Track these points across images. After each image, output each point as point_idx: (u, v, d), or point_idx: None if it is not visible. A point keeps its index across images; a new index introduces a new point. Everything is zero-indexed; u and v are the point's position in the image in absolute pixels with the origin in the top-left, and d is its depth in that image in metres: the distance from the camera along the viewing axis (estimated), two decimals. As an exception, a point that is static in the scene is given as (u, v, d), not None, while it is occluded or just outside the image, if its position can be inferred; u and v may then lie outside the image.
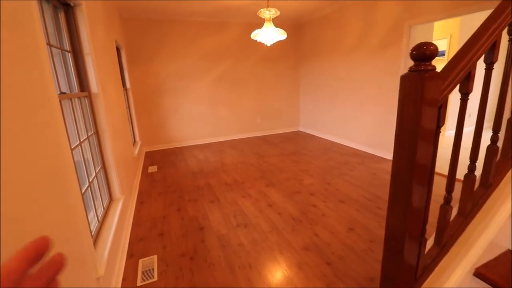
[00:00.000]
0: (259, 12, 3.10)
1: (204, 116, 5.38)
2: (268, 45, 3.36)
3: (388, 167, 3.55)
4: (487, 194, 1.09)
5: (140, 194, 3.10)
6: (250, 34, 3.32)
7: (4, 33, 0.79)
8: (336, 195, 2.81)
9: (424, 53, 0.77)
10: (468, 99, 0.90)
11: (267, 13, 3.15)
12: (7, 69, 0.78)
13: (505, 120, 1.12)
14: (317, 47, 5.26)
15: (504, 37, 0.97)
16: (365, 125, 4.32)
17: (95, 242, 1.57)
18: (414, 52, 0.79)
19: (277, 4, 4.14)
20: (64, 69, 1.71)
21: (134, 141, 4.31)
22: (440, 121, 0.82)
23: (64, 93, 1.61)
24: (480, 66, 0.84)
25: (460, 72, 0.83)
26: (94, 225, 1.69)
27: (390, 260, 0.94)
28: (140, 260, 1.92)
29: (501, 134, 1.10)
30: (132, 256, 1.98)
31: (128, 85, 4.27)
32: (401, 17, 3.48)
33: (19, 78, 0.85)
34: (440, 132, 0.84)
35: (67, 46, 1.75)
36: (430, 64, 0.77)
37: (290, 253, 1.92)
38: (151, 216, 2.57)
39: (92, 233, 1.59)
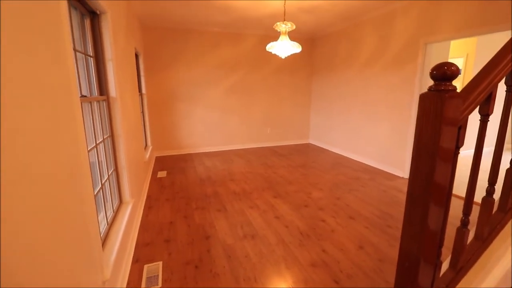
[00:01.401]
0: (275, 25, 3.16)
1: (215, 124, 5.44)
2: (283, 57, 3.40)
3: (399, 185, 3.47)
4: (506, 220, 1.05)
5: (148, 198, 3.12)
6: (265, 46, 3.39)
7: (36, 37, 0.84)
8: (346, 211, 2.76)
9: (445, 73, 0.77)
10: (489, 120, 0.89)
11: (283, 27, 3.21)
12: (36, 71, 0.82)
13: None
14: (330, 61, 5.29)
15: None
16: (377, 141, 4.27)
17: (103, 245, 1.58)
18: (434, 72, 0.79)
19: (293, 17, 4.22)
20: (86, 73, 1.77)
21: (146, 145, 4.38)
22: (459, 142, 0.81)
23: (85, 96, 1.67)
24: (501, 87, 0.82)
25: (481, 93, 0.82)
26: (103, 227, 1.70)
27: (403, 282, 0.91)
28: (146, 266, 1.92)
29: (522, 158, 1.07)
30: (138, 261, 1.98)
31: (143, 90, 4.39)
32: (416, 35, 3.48)
33: (47, 80, 0.90)
34: (459, 152, 0.82)
35: (90, 51, 1.82)
36: (451, 84, 0.76)
37: (297, 268, 1.88)
38: (158, 221, 2.57)
39: (101, 236, 1.60)
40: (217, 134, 5.51)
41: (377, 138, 4.26)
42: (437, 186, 0.80)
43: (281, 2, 3.46)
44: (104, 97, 1.94)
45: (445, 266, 1.04)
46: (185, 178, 3.80)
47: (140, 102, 3.99)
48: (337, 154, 5.15)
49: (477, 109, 0.89)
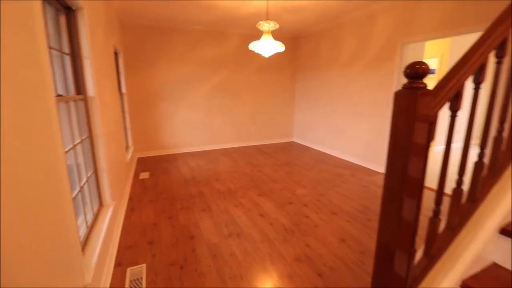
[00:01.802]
0: (258, 24, 3.17)
1: (199, 124, 5.39)
2: (266, 56, 3.43)
3: (379, 180, 3.60)
4: (474, 208, 1.13)
5: (131, 200, 3.04)
6: (249, 44, 3.38)
7: (7, 34, 0.80)
8: (329, 206, 2.83)
9: (417, 71, 0.81)
10: (457, 116, 0.95)
11: (266, 26, 3.23)
12: (8, 70, 0.79)
13: (491, 137, 1.17)
14: (313, 60, 5.38)
15: (493, 59, 1.03)
16: (358, 138, 4.40)
17: (83, 249, 1.53)
18: (408, 70, 0.83)
19: (276, 17, 4.25)
20: (62, 71, 1.71)
21: (127, 146, 4.27)
22: (430, 137, 0.86)
23: (61, 95, 1.61)
24: (471, 85, 0.88)
25: (450, 90, 0.87)
26: (82, 231, 1.65)
27: (381, 271, 0.95)
28: (129, 269, 1.88)
29: (488, 151, 1.15)
30: (120, 264, 1.93)
31: (124, 90, 4.27)
32: (394, 36, 3.62)
33: (20, 79, 0.86)
34: (429, 147, 0.87)
35: (66, 48, 1.75)
36: (422, 82, 0.81)
37: (282, 264, 1.91)
38: (141, 223, 2.52)
39: (81, 240, 1.55)
40: (202, 133, 5.45)
41: (358, 135, 4.39)
42: (411, 179, 0.85)
43: (264, 1, 3.47)
44: (81, 97, 1.88)
45: (420, 255, 1.10)
46: (169, 179, 3.74)
47: (121, 102, 3.87)
48: (321, 151, 5.26)
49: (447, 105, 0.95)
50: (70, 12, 1.78)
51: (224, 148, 5.60)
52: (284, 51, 5.76)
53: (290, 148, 5.62)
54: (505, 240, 1.13)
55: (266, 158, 4.78)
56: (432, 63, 4.95)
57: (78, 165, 1.77)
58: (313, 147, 5.59)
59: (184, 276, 1.80)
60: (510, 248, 1.11)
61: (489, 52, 0.95)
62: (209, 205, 2.90)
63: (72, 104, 1.76)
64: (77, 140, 1.78)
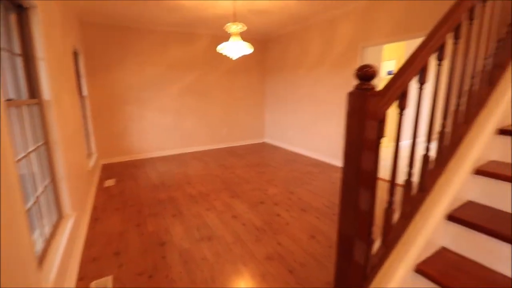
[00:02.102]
0: (225, 26, 3.18)
1: (169, 127, 5.24)
2: (234, 58, 3.44)
3: (347, 177, 3.78)
4: (424, 198, 1.24)
5: (94, 210, 2.88)
6: (218, 46, 3.36)
7: None
8: (299, 204, 2.91)
9: (366, 73, 0.88)
10: (403, 114, 1.04)
11: (234, 28, 3.25)
12: None
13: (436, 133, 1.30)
14: (282, 61, 5.51)
15: (435, 62, 1.14)
16: (326, 136, 4.58)
17: (40, 264, 1.42)
18: (358, 73, 0.90)
19: (244, 19, 4.29)
20: (12, 74, 1.57)
21: (89, 152, 4.02)
22: (380, 133, 0.93)
23: (12, 99, 1.48)
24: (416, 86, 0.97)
25: (396, 91, 0.96)
26: (39, 245, 1.53)
27: (342, 261, 1.01)
28: (93, 282, 1.78)
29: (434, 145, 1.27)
30: (84, 278, 1.82)
31: (85, 92, 4.03)
32: (355, 39, 3.83)
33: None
34: (381, 142, 0.94)
35: (17, 49, 1.62)
36: (370, 84, 0.88)
37: (254, 263, 1.93)
38: (106, 233, 2.39)
39: (38, 254, 1.44)
40: (172, 137, 5.31)
41: (326, 134, 4.57)
42: (365, 172, 0.92)
43: (231, 3, 3.49)
44: (35, 100, 1.74)
45: (379, 244, 1.18)
46: (137, 185, 3.59)
47: (81, 106, 3.65)
48: (291, 151, 5.39)
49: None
50: (22, 11, 1.65)
51: (196, 151, 5.51)
52: (254, 52, 5.83)
53: (262, 148, 5.68)
54: (452, 225, 1.25)
55: (238, 160, 4.79)
56: (390, 65, 5.31)
57: (33, 174, 1.64)
58: (284, 147, 5.70)
59: (154, 285, 1.74)
60: (456, 233, 1.24)
61: (429, 56, 1.05)
62: (180, 210, 2.83)
63: (25, 108, 1.63)
64: (32, 148, 1.65)
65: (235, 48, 3.28)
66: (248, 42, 5.65)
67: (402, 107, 1.02)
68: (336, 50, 4.17)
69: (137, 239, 2.28)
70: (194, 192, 3.32)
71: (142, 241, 2.25)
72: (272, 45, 5.79)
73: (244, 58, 5.75)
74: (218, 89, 5.64)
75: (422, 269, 1.14)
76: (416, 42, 1.51)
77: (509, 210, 1.23)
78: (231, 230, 2.39)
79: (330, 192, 3.24)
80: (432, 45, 1.07)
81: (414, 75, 1.03)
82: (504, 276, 1.09)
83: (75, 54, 3.52)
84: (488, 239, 1.14)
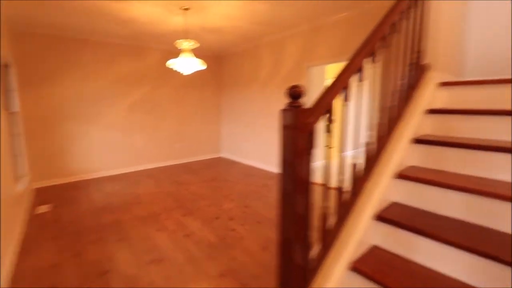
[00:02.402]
0: (176, 42, 3.18)
1: (117, 144, 4.91)
2: (185, 74, 3.44)
3: (299, 187, 3.95)
4: (355, 201, 1.38)
5: (24, 240, 2.52)
6: (168, 61, 3.31)
7: None
8: (254, 217, 2.95)
9: (295, 92, 0.98)
10: (330, 127, 1.16)
11: (186, 44, 3.26)
12: None
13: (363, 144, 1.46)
14: (237, 76, 5.66)
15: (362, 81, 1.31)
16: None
17: None
18: (289, 91, 0.99)
19: (197, 36, 4.35)
20: None
21: (19, 175, 3.54)
22: (310, 144, 1.03)
23: None
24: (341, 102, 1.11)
25: (322, 108, 1.07)
26: None
27: (283, 264, 1.06)
28: (17, 325, 1.54)
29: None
30: (5, 322, 1.57)
31: (16, 108, 3.58)
32: (301, 59, 4.16)
33: None
34: (312, 153, 1.04)
35: None
36: (299, 102, 0.98)
37: (207, 282, 1.88)
38: (37, 267, 2.11)
39: None
40: (121, 154, 4.97)
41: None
42: (299, 179, 1.00)
43: (183, 19, 3.52)
44: None
45: (319, 247, 1.26)
46: (76, 209, 3.26)
47: (8, 123, 3.23)
48: (248, 165, 5.46)
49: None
50: None
51: (148, 169, 5.23)
52: (209, 67, 5.89)
53: (218, 163, 5.65)
54: (380, 225, 1.40)
55: (193, 176, 4.68)
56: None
57: None
58: (241, 161, 5.75)
59: (94, 318, 1.58)
60: (384, 232, 1.40)
61: (349, 77, 1.21)
62: (127, 233, 2.64)
63: None
64: None
65: (187, 64, 3.29)
66: (202, 58, 5.71)
67: (329, 121, 1.14)
68: (286, 67, 4.46)
69: (75, 270, 2.05)
70: (143, 212, 3.13)
71: (81, 273, 2.03)
72: (227, 61, 5.93)
73: (199, 72, 5.76)
74: (172, 104, 5.52)
75: (356, 267, 1.25)
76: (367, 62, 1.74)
77: (426, 208, 1.44)
78: (183, 250, 2.30)
79: (284, 203, 3.35)
80: (352, 68, 1.24)
81: (337, 93, 1.17)
82: (424, 267, 1.25)
83: (5, 66, 3.14)
84: (410, 235, 1.30)
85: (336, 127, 4.17)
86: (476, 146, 1.40)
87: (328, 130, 1.15)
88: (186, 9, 3.13)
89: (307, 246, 1.08)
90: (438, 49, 2.04)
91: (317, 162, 4.31)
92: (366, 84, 3.84)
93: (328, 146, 1.18)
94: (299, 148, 0.99)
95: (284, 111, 1.00)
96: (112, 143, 4.85)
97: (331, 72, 5.77)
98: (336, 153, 5.33)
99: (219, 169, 5.15)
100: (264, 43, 4.83)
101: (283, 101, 4.58)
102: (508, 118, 1.47)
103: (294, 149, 0.98)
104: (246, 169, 5.12)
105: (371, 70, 2.93)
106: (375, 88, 3.00)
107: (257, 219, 2.88)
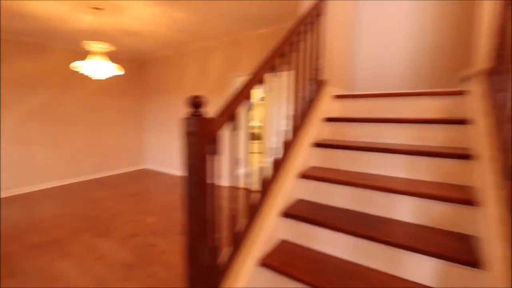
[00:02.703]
0: (83, 43, 2.88)
1: (10, 159, 4.04)
2: (93, 78, 3.13)
3: (226, 193, 4.01)
4: (264, 201, 1.50)
5: None
6: (74, 63, 2.93)
7: None
8: (177, 228, 2.84)
9: (196, 102, 1.02)
10: (236, 134, 1.25)
11: (98, 46, 2.97)
12: None
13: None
14: (162, 84, 5.43)
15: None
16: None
17: None
18: (191, 101, 1.03)
19: (114, 39, 4.00)
20: None
21: None
22: (214, 151, 1.09)
23: None
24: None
25: (224, 117, 1.15)
26: None
27: (191, 267, 1.07)
28: None
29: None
30: None
31: None
32: (226, 70, 4.29)
33: None
34: (215, 158, 1.10)
35: None
36: (200, 111, 1.03)
37: (120, 305, 1.72)
38: None
39: None
40: (15, 172, 4.11)
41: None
42: (204, 184, 1.04)
43: (95, 19, 3.21)
44: None
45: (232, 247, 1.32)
46: None
47: None
48: (174, 175, 5.24)
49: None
50: None
51: (53, 187, 4.47)
52: (131, 73, 5.48)
53: (142, 176, 5.25)
54: (287, 221, 1.55)
55: (110, 191, 4.22)
56: (259, 93, 6.18)
57: None
58: (168, 172, 5.48)
59: None
60: (290, 226, 1.55)
61: (251, 89, 1.33)
62: (17, 268, 2.19)
63: None
64: None
65: (98, 68, 3.00)
66: (122, 62, 5.28)
67: (234, 129, 1.23)
68: (212, 77, 4.52)
69: None
70: (42, 239, 2.66)
71: None
72: (150, 67, 5.63)
73: (118, 78, 5.30)
74: (84, 111, 4.90)
75: (265, 263, 1.35)
76: (283, 75, 1.91)
77: (324, 202, 1.66)
78: (94, 276, 2.05)
79: (210, 211, 3.34)
80: (254, 81, 1.37)
81: (240, 104, 1.27)
82: (321, 253, 1.44)
83: None
84: (310, 227, 1.48)
85: (241, 134, 4.42)
86: (359, 148, 1.71)
87: (234, 137, 1.24)
88: (99, 8, 2.87)
89: (214, 248, 1.12)
90: (333, 67, 2.42)
91: (231, 167, 4.46)
92: (276, 95, 4.23)
93: (233, 151, 1.26)
94: (201, 153, 1.03)
95: (187, 119, 1.04)
96: (3, 158, 3.98)
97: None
98: (251, 157, 5.61)
99: (142, 182, 4.79)
100: (189, 51, 4.80)
101: (210, 111, 4.61)
102: (385, 124, 1.85)
103: (197, 154, 1.02)
104: (172, 180, 4.91)
105: (279, 83, 3.26)
106: (283, 99, 3.35)
107: (181, 231, 2.79)
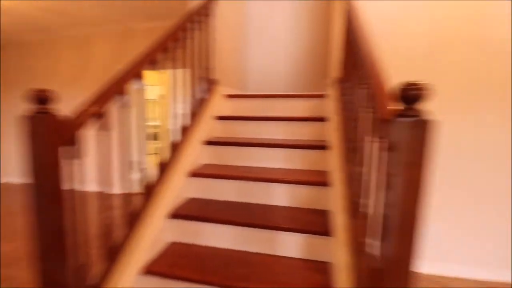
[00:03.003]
0: None
1: None
2: None
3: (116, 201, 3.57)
4: (147, 205, 1.41)
5: None
6: None
7: None
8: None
9: (41, 96, 0.86)
10: (104, 135, 1.13)
11: None
12: None
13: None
14: (29, 74, 4.33)
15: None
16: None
17: None
18: (35, 95, 0.86)
19: None
20: None
21: None
22: (74, 154, 0.94)
23: None
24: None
25: (86, 115, 1.01)
26: None
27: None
28: None
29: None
30: None
31: None
32: (113, 61, 3.80)
33: None
34: (72, 162, 0.95)
35: None
36: (47, 108, 0.87)
37: None
38: None
39: None
40: None
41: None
42: (62, 193, 0.88)
43: None
44: None
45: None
46: None
47: None
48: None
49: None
50: None
51: None
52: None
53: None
54: (176, 221, 1.51)
55: None
56: (157, 90, 5.78)
57: None
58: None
59: None
60: (179, 227, 1.51)
61: (124, 84, 1.23)
62: None
63: None
64: None
65: None
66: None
67: (104, 129, 1.10)
68: (95, 68, 3.91)
69: None
70: None
71: None
72: (10, 52, 4.38)
73: None
74: None
75: (150, 270, 1.27)
76: (176, 72, 1.76)
77: (213, 198, 1.70)
78: None
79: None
80: (130, 75, 1.27)
81: (110, 100, 1.14)
82: (208, 247, 1.47)
83: None
84: (198, 224, 1.49)
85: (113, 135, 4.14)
86: (245, 144, 1.84)
87: (99, 138, 1.11)
88: None
89: (81, 267, 0.97)
90: (224, 67, 2.51)
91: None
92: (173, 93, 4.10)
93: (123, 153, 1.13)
94: (53, 158, 0.87)
95: (31, 118, 0.85)
96: None
97: (154, 79, 5.69)
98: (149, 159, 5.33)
99: (-2, 200, 3.70)
100: (64, 36, 4.00)
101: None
102: (268, 122, 2.04)
103: (46, 158, 0.86)
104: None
105: (175, 81, 3.17)
106: (172, 97, 3.26)
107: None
